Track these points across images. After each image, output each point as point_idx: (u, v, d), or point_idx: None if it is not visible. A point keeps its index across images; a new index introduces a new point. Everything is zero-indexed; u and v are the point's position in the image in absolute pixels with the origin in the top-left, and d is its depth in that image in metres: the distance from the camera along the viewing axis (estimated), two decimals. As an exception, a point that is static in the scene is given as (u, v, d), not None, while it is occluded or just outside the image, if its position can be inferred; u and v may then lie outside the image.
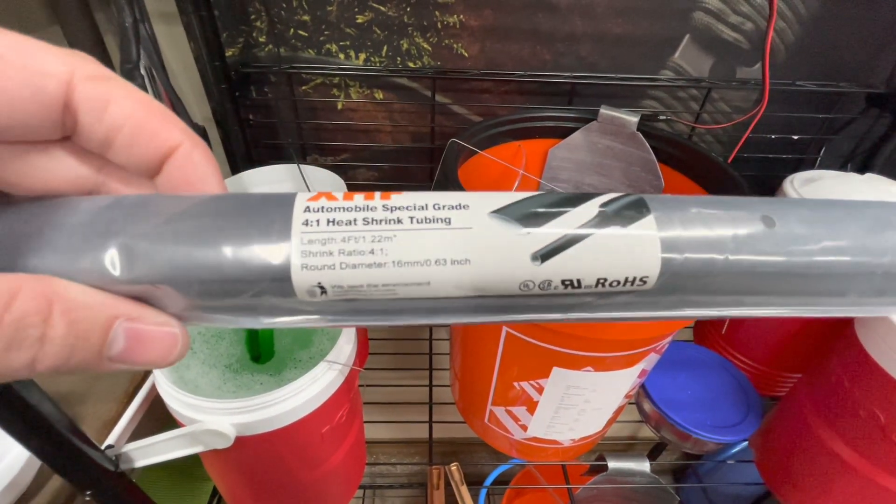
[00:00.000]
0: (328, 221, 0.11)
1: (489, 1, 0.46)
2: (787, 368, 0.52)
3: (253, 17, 0.46)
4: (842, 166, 0.57)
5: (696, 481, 0.82)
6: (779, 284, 0.12)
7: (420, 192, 0.11)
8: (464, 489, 0.45)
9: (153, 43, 0.38)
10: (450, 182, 0.36)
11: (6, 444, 0.34)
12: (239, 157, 0.50)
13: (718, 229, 0.11)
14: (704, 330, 0.61)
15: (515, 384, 0.41)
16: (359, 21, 0.46)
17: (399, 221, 0.11)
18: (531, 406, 0.42)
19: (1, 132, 0.10)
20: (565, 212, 0.11)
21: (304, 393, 0.29)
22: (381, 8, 0.46)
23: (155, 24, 0.45)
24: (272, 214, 0.11)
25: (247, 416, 0.27)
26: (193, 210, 0.11)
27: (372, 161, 0.56)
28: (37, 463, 0.35)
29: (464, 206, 0.11)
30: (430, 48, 0.48)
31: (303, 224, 0.10)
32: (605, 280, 0.11)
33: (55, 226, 0.10)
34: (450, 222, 0.11)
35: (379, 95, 0.51)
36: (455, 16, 0.46)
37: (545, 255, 0.11)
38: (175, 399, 0.28)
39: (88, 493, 0.27)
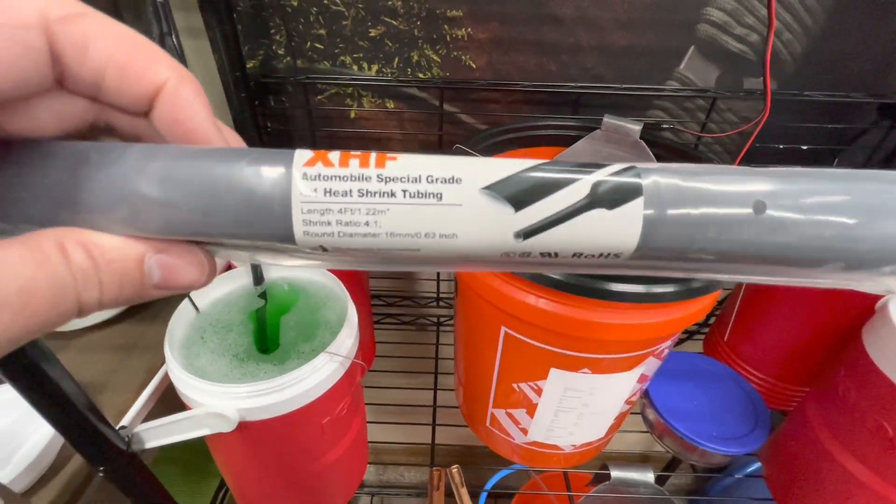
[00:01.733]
0: (325, 192, 0.11)
1: (495, 14, 0.47)
2: (797, 381, 0.51)
3: (273, 31, 0.48)
4: (855, 177, 0.56)
5: (707, 498, 0.79)
6: (757, 266, 0.12)
7: (415, 158, 0.12)
8: (463, 491, 0.46)
9: (180, 55, 0.41)
10: None
11: (29, 429, 0.37)
12: (256, 163, 0.52)
13: (706, 211, 0.11)
14: (714, 341, 0.60)
15: (515, 386, 0.41)
16: (371, 34, 0.49)
17: (392, 195, 0.11)
18: (531, 408, 0.42)
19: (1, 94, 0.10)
20: (556, 190, 0.11)
21: (305, 382, 0.30)
22: (393, 22, 0.48)
23: (183, 37, 0.48)
24: (272, 185, 0.11)
25: (249, 402, 0.29)
26: (200, 167, 0.11)
27: (383, 168, 0.58)
28: (57, 446, 0.37)
29: (456, 180, 0.11)
30: (439, 60, 0.50)
31: (301, 195, 0.11)
32: (581, 253, 0.12)
33: (81, 182, 0.11)
34: (441, 198, 0.11)
35: (390, 105, 0.53)
36: (463, 29, 0.48)
37: (528, 233, 0.12)
38: (183, 382, 0.29)
39: (101, 469, 0.29)
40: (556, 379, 0.38)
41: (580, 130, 0.48)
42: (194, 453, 0.36)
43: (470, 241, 0.12)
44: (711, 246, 0.12)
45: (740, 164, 0.47)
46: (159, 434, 0.30)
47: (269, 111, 0.53)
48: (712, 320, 0.62)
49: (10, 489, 0.32)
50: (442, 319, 0.69)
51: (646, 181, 0.12)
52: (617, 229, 0.11)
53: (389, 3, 0.47)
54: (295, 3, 0.47)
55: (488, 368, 0.42)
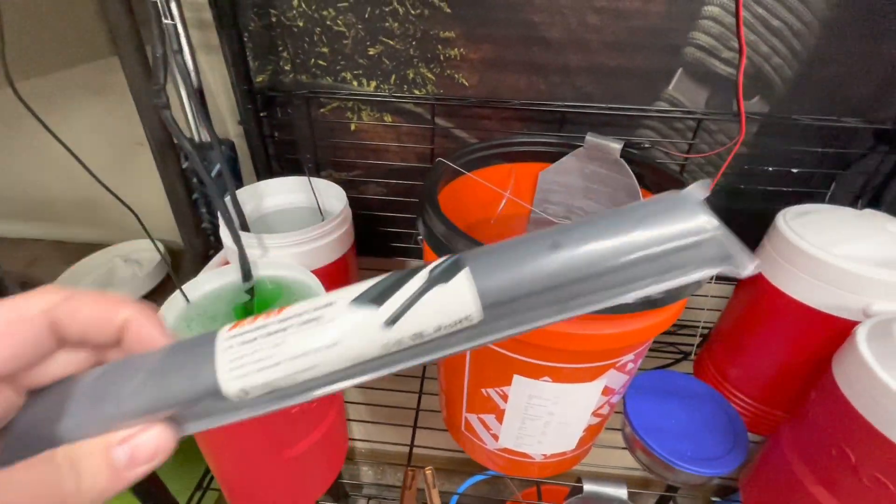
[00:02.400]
0: (241, 343, 0.15)
1: (487, 36, 0.50)
2: (780, 407, 0.50)
3: (280, 48, 0.53)
4: (852, 202, 0.55)
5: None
6: (567, 291, 0.15)
7: (302, 302, 0.15)
8: (434, 492, 0.47)
9: (192, 71, 0.46)
10: (428, 202, 0.39)
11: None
12: (261, 169, 0.56)
13: (517, 263, 0.14)
14: (703, 363, 0.59)
15: (484, 391, 0.43)
16: (370, 53, 0.52)
17: (286, 330, 0.15)
18: (499, 414, 0.43)
19: (23, 370, 0.15)
20: (404, 283, 0.14)
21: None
22: (390, 42, 0.51)
23: (201, 53, 0.53)
24: (201, 356, 0.15)
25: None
26: (146, 365, 0.15)
27: (380, 178, 0.61)
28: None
29: (331, 304, 0.15)
30: (433, 77, 0.53)
31: (223, 352, 0.15)
32: (441, 325, 0.14)
33: (67, 402, 0.15)
34: (321, 319, 0.15)
35: (388, 119, 0.56)
36: (456, 49, 0.51)
37: (393, 319, 0.14)
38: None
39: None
40: (520, 386, 0.39)
41: (565, 147, 0.50)
42: (187, 440, 0.39)
43: (351, 342, 0.14)
44: (534, 286, 0.14)
45: (744, 188, 0.47)
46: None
47: (276, 122, 0.57)
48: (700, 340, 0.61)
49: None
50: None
51: (469, 258, 0.15)
52: (456, 297, 0.14)
53: (387, 24, 0.50)
54: (301, 24, 0.51)
55: (460, 373, 0.44)
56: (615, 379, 0.40)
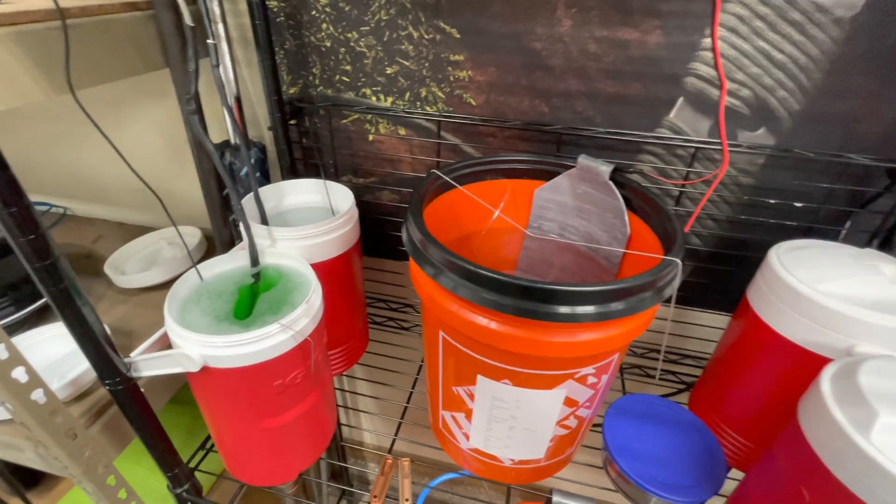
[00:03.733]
0: None
1: (492, 60, 0.54)
2: (764, 444, 0.49)
3: (311, 65, 0.59)
4: (867, 242, 0.53)
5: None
6: None
7: None
8: (406, 482, 0.50)
9: (231, 83, 0.53)
10: (412, 210, 0.43)
11: (80, 358, 0.49)
12: (285, 170, 0.63)
13: None
14: (698, 395, 0.58)
15: (454, 389, 0.45)
16: (388, 72, 0.57)
17: None
18: (468, 413, 0.46)
19: None
20: None
21: (256, 344, 0.37)
22: (406, 63, 0.56)
23: (242, 67, 0.60)
24: None
25: (210, 350, 0.37)
26: None
27: (394, 185, 0.66)
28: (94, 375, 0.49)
29: None
30: (443, 96, 0.57)
31: None
32: None
33: None
34: None
35: (402, 131, 0.61)
36: (464, 71, 0.55)
37: None
38: (171, 329, 0.38)
39: (107, 383, 0.39)
40: (484, 386, 0.42)
41: (559, 168, 0.52)
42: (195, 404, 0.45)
43: None
44: None
45: (721, 213, 0.48)
46: (150, 366, 0.39)
47: (303, 129, 0.63)
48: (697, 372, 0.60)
49: (56, 395, 0.42)
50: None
51: None
52: None
53: (403, 47, 0.55)
54: (328, 45, 0.57)
55: (435, 371, 0.47)
56: (577, 391, 0.41)
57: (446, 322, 0.40)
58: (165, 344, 0.42)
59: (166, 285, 0.65)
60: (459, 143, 0.60)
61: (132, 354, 0.41)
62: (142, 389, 0.42)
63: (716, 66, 0.37)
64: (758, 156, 0.52)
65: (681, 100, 0.52)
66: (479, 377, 0.41)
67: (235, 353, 0.37)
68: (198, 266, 0.44)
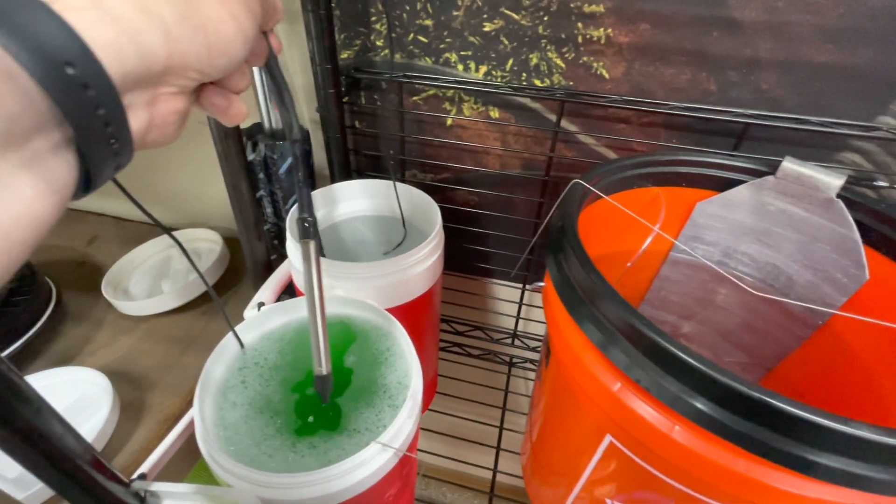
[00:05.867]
0: None
1: (648, 14, 0.37)
2: None
3: (373, 18, 0.42)
4: None
5: None
6: None
7: None
8: None
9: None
10: (566, 232, 0.28)
11: (92, 407, 0.40)
12: (337, 165, 0.47)
13: None
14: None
15: (608, 501, 0.32)
16: (486, 29, 0.41)
17: None
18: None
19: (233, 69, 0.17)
20: None
21: (347, 478, 0.23)
22: (514, 16, 0.39)
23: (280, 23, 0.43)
24: None
25: (275, 493, 0.23)
26: None
27: (474, 185, 0.50)
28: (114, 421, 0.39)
29: None
30: (563, 65, 0.41)
31: None
32: None
33: None
34: None
35: (494, 114, 0.45)
36: (602, 29, 0.38)
37: None
38: (209, 458, 0.24)
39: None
40: (670, 516, 0.28)
41: (742, 173, 0.36)
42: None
43: None
44: None
45: None
46: (175, 498, 0.25)
47: (359, 109, 0.47)
48: None
49: None
50: (515, 360, 0.61)
51: None
52: None
53: (514, -8, 0.38)
54: (402, -12, 0.40)
55: (575, 468, 0.33)
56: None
57: (621, 426, 0.26)
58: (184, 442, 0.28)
59: (178, 310, 0.51)
60: (576, 131, 0.44)
61: (145, 467, 0.27)
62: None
63: None
64: None
65: (929, 75, 0.35)
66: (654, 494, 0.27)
67: (317, 495, 0.23)
68: (235, 328, 0.30)
